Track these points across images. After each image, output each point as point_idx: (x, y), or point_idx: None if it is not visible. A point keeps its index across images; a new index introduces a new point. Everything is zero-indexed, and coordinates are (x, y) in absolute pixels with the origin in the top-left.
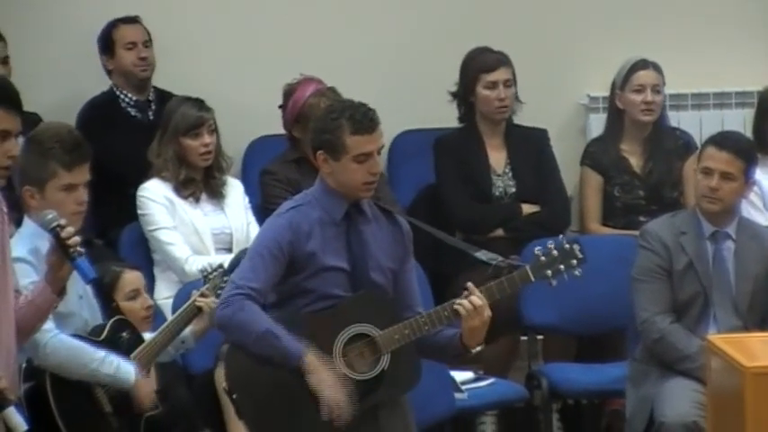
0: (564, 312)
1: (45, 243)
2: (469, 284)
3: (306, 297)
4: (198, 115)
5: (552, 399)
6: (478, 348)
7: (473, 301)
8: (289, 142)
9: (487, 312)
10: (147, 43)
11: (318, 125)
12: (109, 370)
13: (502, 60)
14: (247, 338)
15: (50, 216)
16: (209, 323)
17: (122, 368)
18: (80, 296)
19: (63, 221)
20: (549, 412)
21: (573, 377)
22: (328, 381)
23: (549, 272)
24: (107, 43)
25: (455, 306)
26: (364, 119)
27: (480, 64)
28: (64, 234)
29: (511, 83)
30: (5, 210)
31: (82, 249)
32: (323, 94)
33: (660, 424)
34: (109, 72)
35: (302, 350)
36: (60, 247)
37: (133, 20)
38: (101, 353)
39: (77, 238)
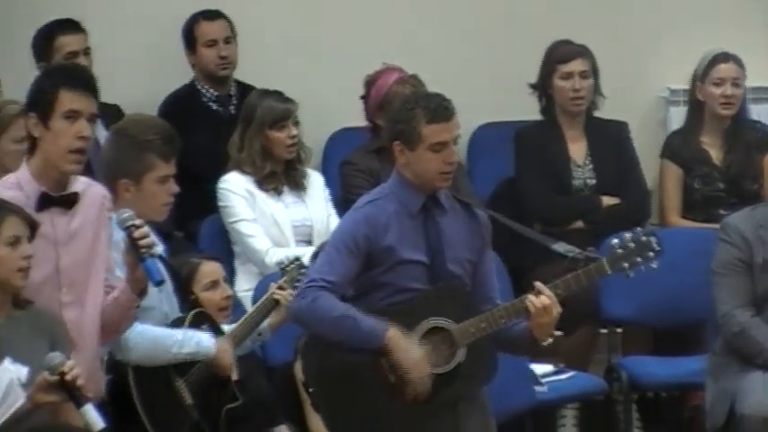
0: (643, 305)
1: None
2: (537, 284)
3: (383, 291)
4: (285, 108)
5: (632, 392)
6: (549, 340)
7: (542, 302)
8: (371, 132)
9: (557, 309)
10: (229, 39)
11: (394, 116)
12: (190, 348)
13: (579, 52)
14: (323, 326)
15: (126, 215)
16: (285, 316)
17: (203, 343)
18: (159, 289)
19: (138, 221)
20: (629, 405)
21: (652, 370)
22: (414, 356)
23: (626, 264)
24: (189, 39)
25: (526, 303)
26: (439, 108)
27: (557, 55)
28: (136, 234)
29: (588, 74)
30: (109, 206)
31: (156, 251)
32: (406, 82)
33: (740, 417)
34: (192, 65)
35: (383, 328)
36: (132, 248)
37: (215, 15)
38: (178, 334)
39: (150, 239)
